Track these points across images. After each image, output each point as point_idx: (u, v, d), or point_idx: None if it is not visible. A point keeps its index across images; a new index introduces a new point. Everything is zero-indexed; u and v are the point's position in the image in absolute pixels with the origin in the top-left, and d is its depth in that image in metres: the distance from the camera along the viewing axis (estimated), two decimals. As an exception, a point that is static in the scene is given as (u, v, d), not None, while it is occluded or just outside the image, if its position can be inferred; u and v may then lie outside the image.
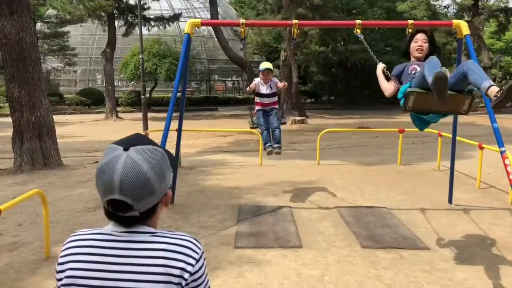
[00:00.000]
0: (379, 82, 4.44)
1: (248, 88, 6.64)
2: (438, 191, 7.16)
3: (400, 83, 4.28)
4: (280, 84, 6.51)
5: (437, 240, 4.94)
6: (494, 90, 3.52)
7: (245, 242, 4.87)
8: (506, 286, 3.81)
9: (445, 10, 36.11)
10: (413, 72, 4.20)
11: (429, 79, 3.49)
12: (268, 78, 6.51)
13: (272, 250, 4.63)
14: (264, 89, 6.55)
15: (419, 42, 4.34)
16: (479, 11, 27.99)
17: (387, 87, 4.40)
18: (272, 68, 6.59)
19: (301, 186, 7.58)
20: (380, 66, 4.49)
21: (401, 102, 4.08)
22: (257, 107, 6.64)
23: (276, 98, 6.70)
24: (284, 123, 6.88)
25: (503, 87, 3.46)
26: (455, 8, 31.83)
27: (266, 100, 6.62)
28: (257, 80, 6.55)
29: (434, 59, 3.76)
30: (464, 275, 4.01)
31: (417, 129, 4.56)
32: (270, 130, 6.58)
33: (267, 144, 6.53)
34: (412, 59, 4.40)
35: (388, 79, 4.39)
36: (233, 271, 4.11)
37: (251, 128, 6.87)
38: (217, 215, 5.92)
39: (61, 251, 1.24)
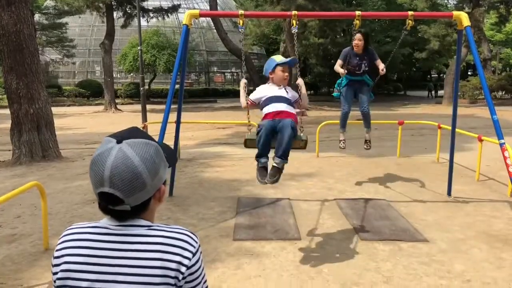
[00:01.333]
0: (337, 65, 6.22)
1: (243, 103, 4.45)
2: (437, 183, 7.16)
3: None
4: (301, 108, 4.42)
5: (436, 232, 4.94)
6: (366, 136, 6.77)
7: (244, 234, 4.87)
8: (504, 278, 3.82)
9: (445, 1, 35.99)
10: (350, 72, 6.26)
11: (341, 111, 6.70)
12: (283, 79, 4.32)
13: (271, 242, 4.63)
14: (275, 91, 4.30)
15: (356, 40, 6.11)
16: (480, 2, 27.85)
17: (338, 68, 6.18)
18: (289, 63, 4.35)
19: (300, 178, 7.57)
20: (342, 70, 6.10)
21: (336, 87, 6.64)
22: (263, 120, 4.20)
23: (293, 110, 4.27)
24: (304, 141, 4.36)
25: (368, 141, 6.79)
26: (455, -1, 31.69)
27: (277, 108, 4.16)
28: (260, 87, 4.45)
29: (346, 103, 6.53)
30: (463, 268, 4.02)
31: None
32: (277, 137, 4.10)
33: (262, 158, 4.17)
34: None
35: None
36: (232, 263, 4.12)
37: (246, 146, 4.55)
38: (216, 207, 5.92)
39: (57, 245, 1.23)
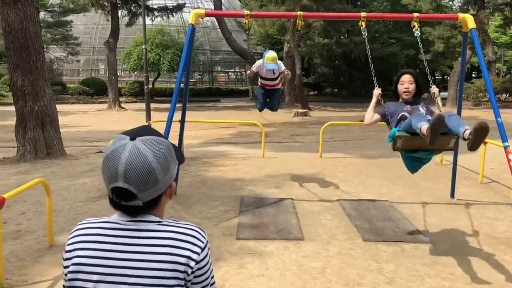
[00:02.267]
0: (369, 106, 4.63)
1: (248, 72, 6.67)
2: (440, 185, 7.16)
3: (388, 120, 4.46)
4: (284, 70, 6.46)
5: (439, 234, 4.95)
6: (467, 132, 3.62)
7: (247, 234, 4.89)
8: (506, 281, 3.82)
9: (450, 3, 35.91)
10: (403, 120, 4.33)
11: (418, 128, 3.75)
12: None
13: (274, 241, 4.65)
14: (266, 73, 6.47)
15: (405, 84, 4.43)
16: (484, 4, 27.76)
17: (370, 116, 4.61)
18: (277, 58, 6.43)
19: (303, 179, 7.58)
20: (377, 92, 4.68)
21: (390, 143, 4.33)
22: (260, 84, 6.82)
23: (278, 80, 6.70)
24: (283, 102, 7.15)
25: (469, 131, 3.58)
26: (460, 1, 31.62)
27: (268, 82, 6.67)
28: (259, 62, 6.45)
29: (420, 113, 4.10)
30: (465, 269, 4.02)
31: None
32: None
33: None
34: (401, 100, 4.51)
35: (377, 105, 4.58)
36: (235, 262, 4.13)
37: (252, 97, 7.23)
38: (219, 206, 5.94)
39: (68, 239, 1.25)
